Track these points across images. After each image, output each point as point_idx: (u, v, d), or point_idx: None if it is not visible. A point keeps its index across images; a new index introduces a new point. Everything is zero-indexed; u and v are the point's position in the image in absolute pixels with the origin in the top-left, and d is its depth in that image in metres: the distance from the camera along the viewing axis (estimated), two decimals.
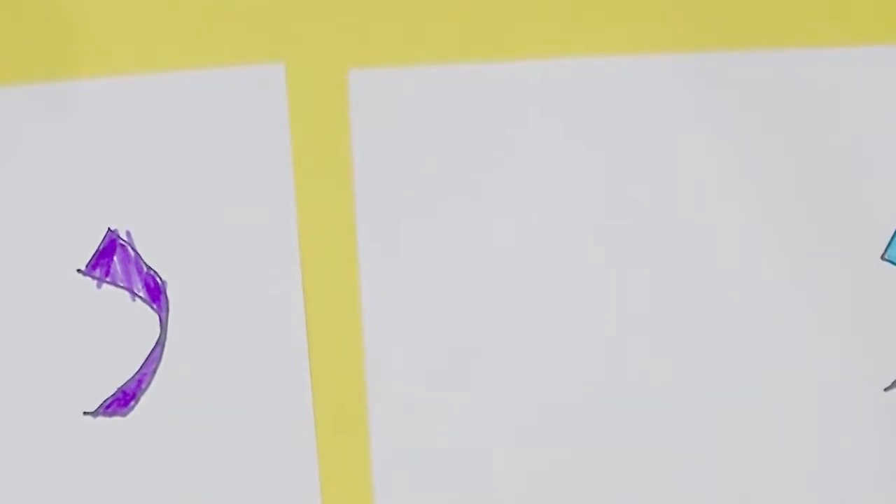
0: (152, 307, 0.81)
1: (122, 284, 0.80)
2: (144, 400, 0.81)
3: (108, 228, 0.80)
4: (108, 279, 0.80)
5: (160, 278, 0.80)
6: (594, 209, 0.79)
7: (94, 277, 0.80)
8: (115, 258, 0.80)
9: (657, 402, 0.80)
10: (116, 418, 0.81)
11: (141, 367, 0.81)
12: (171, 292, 0.81)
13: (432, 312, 0.81)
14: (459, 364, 0.81)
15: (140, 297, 0.81)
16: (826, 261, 0.78)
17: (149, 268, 0.80)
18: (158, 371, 0.81)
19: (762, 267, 0.78)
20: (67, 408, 0.81)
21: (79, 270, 0.80)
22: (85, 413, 0.81)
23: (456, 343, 0.81)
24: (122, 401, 0.81)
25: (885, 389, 0.79)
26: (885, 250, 0.78)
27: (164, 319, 0.81)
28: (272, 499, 0.82)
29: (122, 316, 0.80)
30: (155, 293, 0.80)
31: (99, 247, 0.80)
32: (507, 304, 0.80)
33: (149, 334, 0.81)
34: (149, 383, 0.81)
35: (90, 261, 0.80)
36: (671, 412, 0.80)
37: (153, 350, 0.81)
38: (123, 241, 0.80)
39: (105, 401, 0.81)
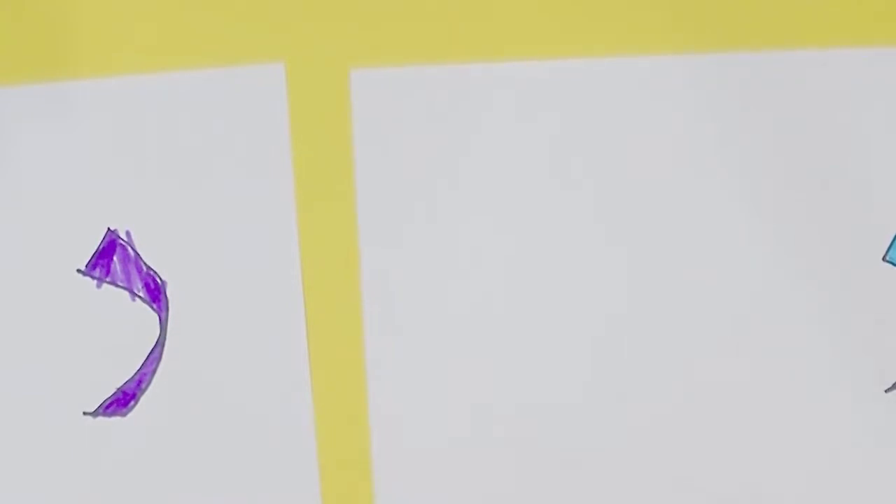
0: (152, 307, 0.81)
1: (122, 284, 0.81)
2: (144, 400, 0.81)
3: (108, 228, 0.80)
4: (108, 279, 0.81)
5: (160, 278, 0.81)
6: (595, 209, 0.79)
7: (94, 277, 0.80)
8: (115, 258, 0.80)
9: (656, 402, 0.80)
10: (116, 418, 0.81)
11: (141, 367, 0.81)
12: (171, 292, 0.81)
13: (433, 311, 0.80)
14: (459, 363, 0.81)
15: (140, 297, 0.81)
16: (827, 262, 0.78)
17: (149, 268, 0.81)
18: (158, 371, 0.81)
19: (763, 268, 0.78)
20: (67, 408, 0.81)
21: (79, 270, 0.80)
22: (85, 413, 0.81)
23: (456, 342, 0.80)
24: (122, 401, 0.81)
25: (886, 391, 0.79)
26: (887, 252, 0.78)
27: (163, 319, 0.81)
28: (272, 499, 0.82)
29: (122, 316, 0.81)
30: (155, 293, 0.81)
31: (99, 247, 0.80)
32: (507, 304, 0.80)
33: (149, 334, 0.81)
34: (149, 383, 0.81)
35: (90, 261, 0.80)
36: (671, 413, 0.80)
37: (153, 350, 0.81)
38: (123, 241, 0.80)
39: (105, 401, 0.81)
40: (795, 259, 0.78)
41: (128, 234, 0.80)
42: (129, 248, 0.80)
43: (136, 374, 0.81)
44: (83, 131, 0.80)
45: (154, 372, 0.81)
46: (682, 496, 0.81)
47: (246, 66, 0.79)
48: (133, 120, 0.79)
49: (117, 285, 0.81)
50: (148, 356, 0.81)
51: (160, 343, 0.81)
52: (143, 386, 0.81)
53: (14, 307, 0.80)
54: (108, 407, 0.81)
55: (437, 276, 0.80)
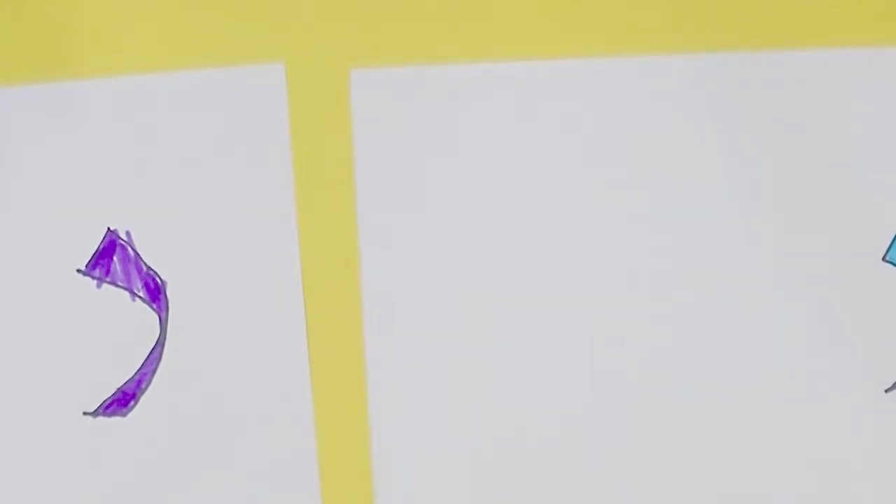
0: (152, 307, 0.81)
1: (122, 284, 0.81)
2: (144, 400, 0.81)
3: (108, 228, 0.80)
4: (108, 279, 0.81)
5: (160, 278, 0.81)
6: (595, 209, 0.79)
7: (94, 277, 0.81)
8: (115, 258, 0.80)
9: (657, 402, 0.80)
10: (116, 418, 0.81)
11: (141, 367, 0.81)
12: (171, 292, 0.81)
13: (432, 312, 0.80)
14: (459, 363, 0.81)
15: (140, 297, 0.81)
16: (827, 262, 0.78)
17: (149, 268, 0.81)
18: (158, 371, 0.81)
19: (763, 268, 0.78)
20: (67, 408, 0.81)
21: (79, 270, 0.80)
22: (85, 413, 0.81)
23: (456, 342, 0.81)
24: (122, 401, 0.81)
25: (886, 391, 0.79)
26: (887, 252, 0.77)
27: (164, 319, 0.81)
28: (272, 499, 0.82)
29: (122, 316, 0.81)
30: (155, 293, 0.81)
31: (99, 247, 0.80)
32: (507, 303, 0.80)
33: (149, 334, 0.81)
34: (149, 383, 0.81)
35: (90, 261, 0.80)
36: (671, 412, 0.80)
37: (153, 350, 0.81)
38: (123, 241, 0.80)
39: (105, 401, 0.81)
40: (795, 259, 0.78)
41: (128, 234, 0.80)
42: (129, 248, 0.80)
43: (136, 374, 0.81)
44: (83, 131, 0.80)
45: (154, 372, 0.81)
46: (682, 494, 0.81)
47: (246, 66, 0.79)
48: (133, 120, 0.79)
49: (117, 285, 0.81)
50: (148, 356, 0.81)
51: (160, 343, 0.81)
52: (143, 386, 0.81)
53: (14, 307, 0.80)
54: (108, 407, 0.81)
55: (437, 276, 0.80)
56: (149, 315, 0.81)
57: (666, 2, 0.77)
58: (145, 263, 0.81)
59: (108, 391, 0.81)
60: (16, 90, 0.79)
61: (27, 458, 0.81)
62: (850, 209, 0.77)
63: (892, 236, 0.77)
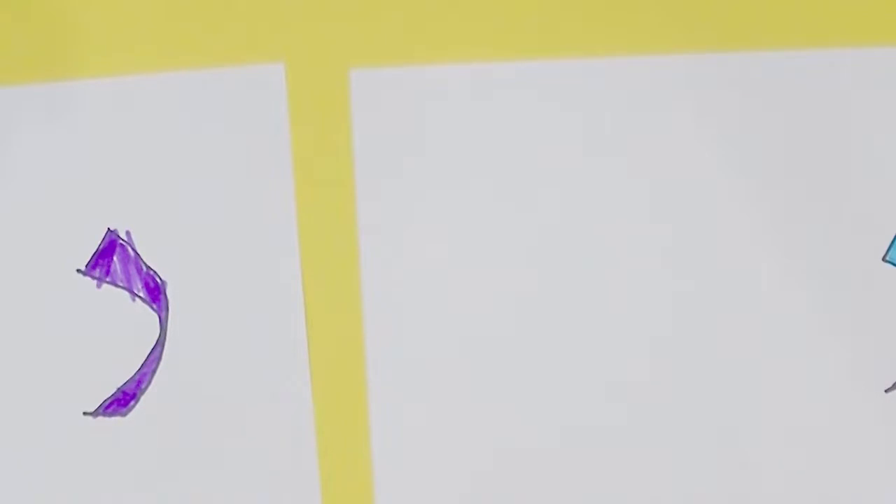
0: (152, 307, 0.81)
1: (121, 284, 0.81)
2: (144, 400, 0.81)
3: (108, 228, 0.80)
4: (108, 279, 0.81)
5: (160, 278, 0.81)
6: (594, 210, 0.79)
7: (94, 277, 0.80)
8: (114, 258, 0.80)
9: (659, 402, 0.80)
10: (116, 418, 0.81)
11: (141, 367, 0.81)
12: (171, 292, 0.81)
13: (433, 312, 0.80)
14: (460, 363, 0.81)
15: (140, 297, 0.81)
16: (828, 262, 0.78)
17: (149, 268, 0.81)
18: (158, 371, 0.81)
19: (763, 268, 0.78)
20: (67, 408, 0.81)
21: (79, 270, 0.80)
22: (85, 413, 0.81)
23: (457, 342, 0.80)
24: (122, 401, 0.81)
25: (886, 391, 0.79)
26: (887, 252, 0.78)
27: (163, 319, 0.81)
28: (272, 498, 0.82)
29: (122, 316, 0.81)
30: (155, 293, 0.81)
31: (99, 247, 0.80)
32: (507, 303, 0.80)
33: (149, 334, 0.81)
34: (149, 383, 0.81)
35: (90, 261, 0.80)
36: (672, 412, 0.80)
37: (153, 350, 0.81)
38: (123, 241, 0.80)
39: (105, 401, 0.81)
40: (795, 259, 0.78)
41: (128, 234, 0.80)
42: (129, 248, 0.81)
43: (136, 374, 0.81)
44: (83, 131, 0.80)
45: (154, 372, 0.81)
46: (680, 494, 0.81)
47: (246, 66, 0.79)
48: (133, 120, 0.79)
49: (117, 285, 0.81)
50: (148, 356, 0.81)
51: (160, 343, 0.81)
52: (143, 386, 0.81)
53: (14, 307, 0.80)
54: (108, 407, 0.81)
55: (438, 277, 0.80)
56: (149, 315, 0.81)
57: (666, 2, 0.77)
58: (145, 263, 0.81)
59: (108, 391, 0.81)
60: (16, 90, 0.79)
61: (27, 458, 0.81)
62: (850, 209, 0.77)
63: (893, 236, 0.77)
